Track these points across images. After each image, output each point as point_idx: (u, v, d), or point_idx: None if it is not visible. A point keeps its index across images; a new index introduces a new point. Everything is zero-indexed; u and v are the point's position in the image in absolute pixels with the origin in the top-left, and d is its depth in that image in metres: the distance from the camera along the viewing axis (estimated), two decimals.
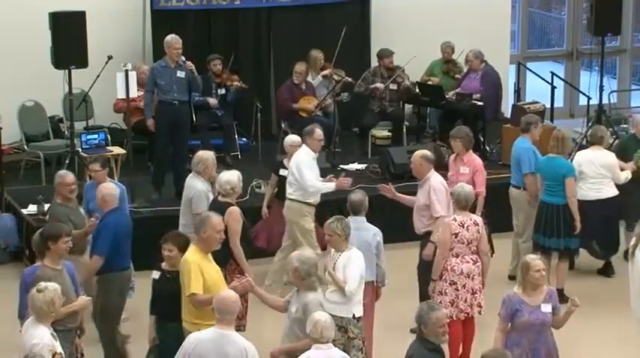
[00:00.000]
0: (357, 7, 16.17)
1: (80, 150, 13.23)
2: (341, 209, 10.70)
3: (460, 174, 11.23)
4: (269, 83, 15.85)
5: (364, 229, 9.54)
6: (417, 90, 15.30)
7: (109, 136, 13.85)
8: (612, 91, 17.03)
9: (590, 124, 15.08)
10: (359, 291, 8.94)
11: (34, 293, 7.47)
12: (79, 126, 13.63)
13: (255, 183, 13.04)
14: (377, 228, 9.74)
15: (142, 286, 10.16)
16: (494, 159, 14.42)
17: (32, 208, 12.55)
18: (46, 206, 12.29)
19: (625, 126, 16.09)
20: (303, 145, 11.34)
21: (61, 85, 12.68)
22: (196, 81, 13.26)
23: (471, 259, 9.72)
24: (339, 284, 8.83)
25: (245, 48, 15.65)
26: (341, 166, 13.95)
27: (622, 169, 11.96)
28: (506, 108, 15.79)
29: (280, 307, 8.43)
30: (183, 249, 8.79)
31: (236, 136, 14.94)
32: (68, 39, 12.22)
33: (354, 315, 8.87)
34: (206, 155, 10.66)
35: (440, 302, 9.36)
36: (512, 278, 11.26)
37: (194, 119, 13.77)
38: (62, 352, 7.52)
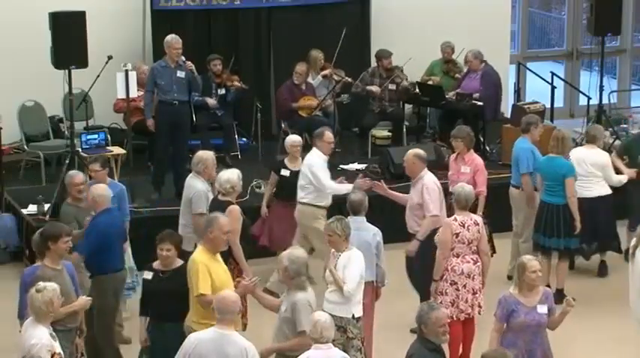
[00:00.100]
0: (357, 7, 16.17)
1: (80, 150, 13.22)
2: (341, 209, 10.70)
3: (461, 174, 11.23)
4: (269, 83, 15.85)
5: (364, 229, 9.54)
6: (417, 90, 15.30)
7: (109, 136, 13.84)
8: (612, 91, 17.03)
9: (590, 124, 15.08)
10: (358, 291, 8.94)
11: (33, 293, 7.48)
12: (79, 126, 13.62)
13: (255, 183, 13.04)
14: (377, 228, 9.75)
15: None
16: (495, 159, 14.42)
17: (32, 208, 12.55)
18: (46, 206, 12.33)
19: (625, 126, 16.09)
20: (314, 148, 11.36)
21: (61, 85, 12.67)
22: (196, 81, 13.26)
23: (472, 259, 9.73)
24: (338, 284, 8.84)
25: (245, 48, 15.65)
26: (341, 166, 13.95)
27: (618, 172, 11.97)
28: (506, 108, 15.79)
29: (275, 307, 8.44)
30: (179, 248, 8.81)
31: (236, 136, 14.94)
32: (68, 39, 12.20)
33: (353, 315, 8.87)
34: (206, 155, 10.65)
35: (440, 302, 9.35)
36: (511, 278, 11.24)
37: (194, 119, 13.77)
38: (61, 352, 7.52)
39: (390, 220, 11.19)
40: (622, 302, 9.81)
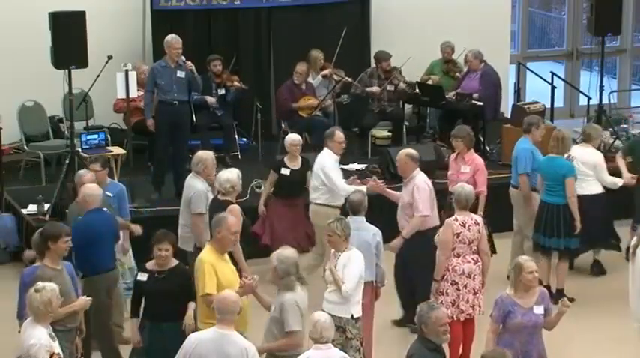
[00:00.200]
0: (357, 7, 16.17)
1: (80, 150, 13.22)
2: (341, 209, 10.71)
3: (461, 173, 11.24)
4: (269, 83, 15.85)
5: (364, 229, 9.55)
6: (417, 90, 15.30)
7: (109, 136, 13.84)
8: (612, 91, 17.03)
9: None
10: (358, 292, 8.95)
11: (32, 293, 7.48)
12: (79, 126, 13.62)
13: (255, 183, 13.04)
14: (377, 228, 9.76)
15: None
16: (495, 159, 14.41)
17: (32, 208, 12.55)
18: (46, 206, 12.33)
19: (625, 126, 16.08)
20: (325, 148, 11.37)
21: (61, 85, 12.67)
22: (196, 81, 13.26)
23: (472, 259, 9.73)
24: (338, 284, 8.84)
25: (245, 48, 15.65)
26: (341, 166, 13.92)
27: (612, 174, 11.97)
28: (507, 108, 15.79)
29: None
30: (175, 247, 8.84)
31: (236, 136, 14.94)
32: (68, 39, 12.20)
33: (352, 315, 8.88)
34: (205, 155, 10.65)
35: (441, 302, 9.35)
36: None
37: (194, 119, 13.78)
38: (60, 352, 7.53)
39: (389, 220, 11.16)
40: (621, 302, 9.81)
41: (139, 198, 12.68)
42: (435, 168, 13.53)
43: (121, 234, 10.29)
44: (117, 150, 13.58)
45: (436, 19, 16.41)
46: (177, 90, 12.99)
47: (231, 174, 10.09)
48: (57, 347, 7.47)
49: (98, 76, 12.89)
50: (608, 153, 14.59)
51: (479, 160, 11.39)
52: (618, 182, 11.96)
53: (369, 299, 9.55)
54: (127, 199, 11.02)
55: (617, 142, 15.05)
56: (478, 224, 9.74)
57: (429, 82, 15.44)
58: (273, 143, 14.65)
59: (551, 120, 14.96)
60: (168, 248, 8.75)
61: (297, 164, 11.81)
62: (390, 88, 15.06)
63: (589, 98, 16.06)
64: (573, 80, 18.36)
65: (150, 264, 8.86)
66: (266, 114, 15.29)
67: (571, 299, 11.14)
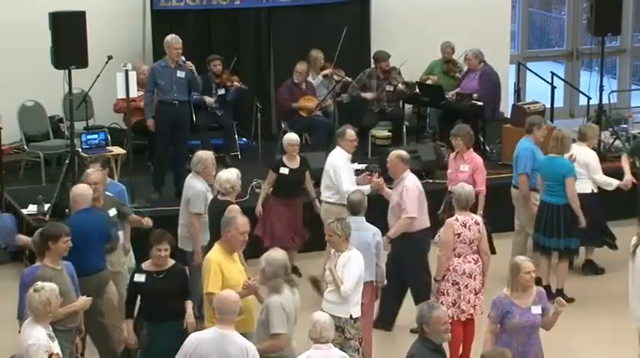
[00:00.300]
0: (357, 7, 16.17)
1: (80, 150, 13.22)
2: None
3: (460, 172, 11.25)
4: (269, 83, 15.85)
5: (364, 229, 9.55)
6: (417, 90, 15.30)
7: (109, 136, 13.85)
8: (612, 91, 17.01)
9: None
10: (357, 292, 8.95)
11: (31, 293, 7.49)
12: (79, 126, 13.62)
13: (255, 183, 13.04)
14: (376, 228, 9.76)
15: None
16: (495, 159, 14.42)
17: (32, 208, 12.55)
18: (46, 206, 12.33)
19: (625, 126, 16.08)
20: (337, 147, 11.37)
21: (61, 85, 12.67)
22: (196, 81, 13.26)
23: (473, 259, 9.73)
24: (337, 283, 8.84)
25: (245, 48, 15.65)
26: None
27: (612, 175, 11.95)
28: (506, 108, 15.79)
29: None
30: (173, 246, 8.84)
31: (236, 136, 14.94)
32: (68, 39, 12.19)
33: (351, 316, 8.89)
34: (205, 155, 10.65)
35: (442, 302, 9.35)
36: None
37: (194, 119, 13.78)
38: (59, 352, 7.52)
39: None
40: (621, 302, 9.81)
41: (139, 198, 12.68)
42: (435, 168, 13.56)
43: (121, 234, 10.29)
44: (117, 150, 13.59)
45: (436, 19, 16.40)
46: (177, 90, 12.99)
47: (230, 175, 10.09)
48: (56, 348, 7.47)
49: (98, 76, 12.89)
50: (609, 153, 14.65)
51: (478, 159, 11.40)
52: (613, 182, 11.92)
53: (369, 299, 9.55)
54: (127, 199, 11.02)
55: (617, 142, 15.06)
56: (478, 224, 9.75)
57: (428, 82, 15.44)
58: (273, 143, 14.64)
59: (551, 120, 14.96)
60: (167, 248, 8.76)
61: (295, 163, 11.84)
62: (389, 88, 15.06)
63: (589, 98, 16.05)
64: (573, 80, 18.36)
65: (147, 265, 8.85)
66: (266, 114, 15.29)
67: (571, 299, 11.23)
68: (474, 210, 10.20)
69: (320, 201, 11.70)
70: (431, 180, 13.48)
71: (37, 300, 7.44)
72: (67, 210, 10.73)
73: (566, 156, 11.47)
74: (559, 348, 9.51)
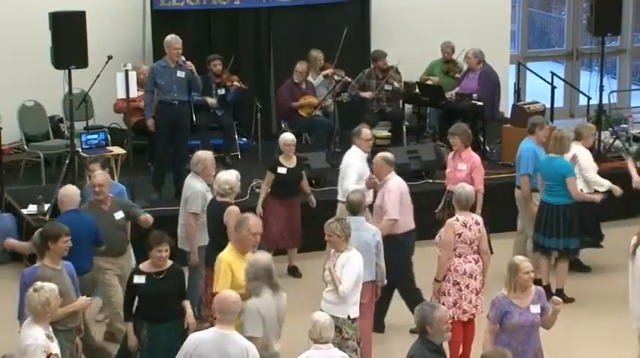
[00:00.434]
0: (357, 7, 16.17)
1: (80, 150, 13.23)
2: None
3: (457, 171, 11.26)
4: (269, 83, 15.85)
5: (363, 229, 9.54)
6: (417, 90, 15.31)
7: (109, 136, 13.85)
8: (612, 91, 17.02)
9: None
10: (355, 293, 8.95)
11: (31, 293, 7.49)
12: (79, 126, 13.62)
13: (255, 183, 13.03)
14: (376, 228, 9.76)
15: None
16: (495, 159, 14.42)
17: (32, 208, 12.55)
18: (46, 206, 12.32)
19: (625, 126, 16.09)
20: (353, 146, 11.37)
21: (61, 85, 12.67)
22: (196, 81, 13.26)
23: (473, 259, 9.73)
24: (335, 283, 8.84)
25: (245, 48, 15.65)
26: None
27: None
28: (506, 108, 15.79)
29: None
30: (172, 247, 8.85)
31: (236, 136, 14.94)
32: (68, 39, 12.20)
33: (349, 316, 8.89)
34: (205, 155, 10.66)
35: (443, 303, 9.34)
36: None
37: (194, 119, 13.78)
38: (58, 352, 7.52)
39: None
40: (621, 302, 9.81)
41: (139, 198, 12.66)
42: (435, 168, 13.56)
43: None
44: (117, 150, 13.59)
45: (436, 19, 16.41)
46: (177, 90, 12.99)
47: (230, 176, 10.08)
48: (54, 348, 7.47)
49: (98, 76, 12.90)
50: (608, 153, 14.65)
51: (476, 158, 11.40)
52: (605, 183, 11.86)
53: (369, 298, 9.55)
54: (127, 199, 11.00)
55: (617, 142, 15.06)
56: (479, 224, 9.75)
57: (429, 83, 15.44)
58: (273, 143, 14.57)
59: (552, 120, 14.95)
60: (167, 249, 8.76)
61: (292, 163, 11.88)
62: (388, 87, 15.06)
63: (589, 98, 16.05)
64: (573, 80, 18.36)
65: (145, 266, 8.84)
66: (266, 114, 15.29)
67: (571, 299, 11.23)
68: (472, 209, 10.19)
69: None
70: (431, 180, 13.50)
71: (37, 300, 7.43)
72: None
73: (567, 156, 11.44)
74: (559, 348, 9.50)
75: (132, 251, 10.60)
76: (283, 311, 8.16)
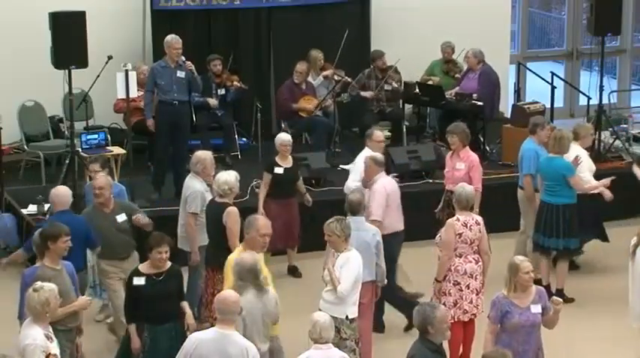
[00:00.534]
0: (357, 7, 16.17)
1: (80, 150, 13.23)
2: (340, 209, 10.69)
3: (456, 170, 11.26)
4: (269, 83, 15.85)
5: (363, 229, 9.54)
6: (417, 90, 15.31)
7: (109, 136, 13.85)
8: (612, 91, 17.03)
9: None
10: (353, 293, 8.94)
11: (30, 293, 7.49)
12: (79, 126, 13.62)
13: (255, 183, 13.03)
14: (376, 228, 9.75)
15: None
16: (495, 159, 14.42)
17: (32, 208, 12.55)
18: (46, 206, 12.31)
19: (625, 126, 16.09)
20: (366, 147, 11.39)
21: (61, 85, 12.67)
22: (196, 81, 13.26)
23: (473, 259, 9.73)
24: (334, 283, 8.84)
25: (245, 48, 15.65)
26: (341, 166, 13.95)
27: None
28: (507, 108, 15.79)
29: None
30: (172, 248, 8.85)
31: (236, 136, 14.94)
32: (68, 39, 12.20)
33: (347, 316, 8.88)
34: (204, 155, 10.65)
35: (443, 303, 9.35)
36: None
37: (194, 119, 13.78)
38: (57, 352, 7.51)
39: None
40: (621, 302, 9.81)
41: (139, 198, 12.66)
42: (435, 168, 13.56)
43: None
44: (117, 150, 13.59)
45: (436, 19, 16.41)
46: (177, 90, 12.99)
47: (229, 177, 10.07)
48: (53, 348, 7.46)
49: (98, 76, 12.90)
50: (608, 154, 14.65)
51: (474, 157, 11.40)
52: (593, 182, 11.75)
53: (369, 298, 9.54)
54: (127, 199, 11.00)
55: (617, 142, 15.06)
56: (479, 224, 9.74)
57: (429, 83, 15.44)
58: (273, 143, 14.62)
59: (552, 120, 14.94)
60: (167, 250, 8.76)
61: (288, 163, 11.90)
62: (388, 87, 15.06)
63: (589, 98, 16.05)
64: (573, 80, 18.36)
65: (144, 268, 8.83)
66: (266, 114, 15.29)
67: (571, 299, 11.22)
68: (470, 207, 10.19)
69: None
70: (431, 180, 13.50)
71: (36, 300, 7.43)
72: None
73: (567, 156, 11.42)
74: (559, 348, 9.50)
75: (137, 255, 10.57)
76: (271, 311, 8.13)
